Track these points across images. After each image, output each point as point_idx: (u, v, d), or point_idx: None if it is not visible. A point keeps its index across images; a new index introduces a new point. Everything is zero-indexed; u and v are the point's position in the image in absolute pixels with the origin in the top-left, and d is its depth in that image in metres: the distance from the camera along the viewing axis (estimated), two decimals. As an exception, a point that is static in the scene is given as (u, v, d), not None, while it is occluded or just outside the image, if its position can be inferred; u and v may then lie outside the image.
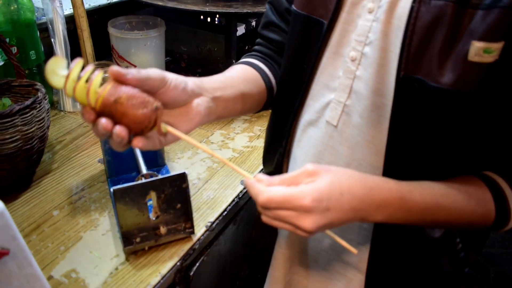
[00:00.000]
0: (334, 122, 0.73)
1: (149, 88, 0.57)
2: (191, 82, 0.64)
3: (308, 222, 0.58)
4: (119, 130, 0.55)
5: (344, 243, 0.64)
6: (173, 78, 0.60)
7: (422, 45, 0.59)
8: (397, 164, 0.67)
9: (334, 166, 0.63)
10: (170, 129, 0.59)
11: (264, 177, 0.61)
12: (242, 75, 0.80)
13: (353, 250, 0.64)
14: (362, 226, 0.75)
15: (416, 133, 0.64)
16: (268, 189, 0.59)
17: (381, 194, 0.62)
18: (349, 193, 0.60)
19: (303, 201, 0.57)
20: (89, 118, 0.55)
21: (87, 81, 0.55)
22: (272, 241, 0.93)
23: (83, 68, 0.56)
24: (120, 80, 0.55)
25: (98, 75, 0.55)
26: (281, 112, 0.84)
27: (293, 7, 0.76)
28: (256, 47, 0.89)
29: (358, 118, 0.69)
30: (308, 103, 0.78)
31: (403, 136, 0.65)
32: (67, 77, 0.54)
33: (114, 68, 0.55)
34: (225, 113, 0.72)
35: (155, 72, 0.58)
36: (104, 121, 0.54)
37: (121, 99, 0.54)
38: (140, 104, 0.55)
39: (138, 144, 0.57)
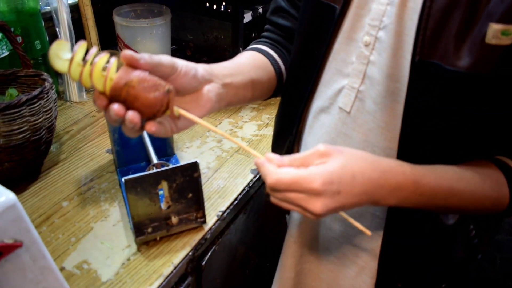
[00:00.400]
0: (347, 108, 0.72)
1: (160, 75, 0.57)
2: (201, 68, 0.63)
3: (317, 205, 0.57)
4: (132, 116, 0.54)
5: (358, 224, 0.63)
6: (184, 64, 0.60)
7: (438, 28, 0.58)
8: (411, 149, 0.66)
9: (347, 148, 0.61)
10: (182, 112, 0.58)
11: (274, 156, 0.60)
12: (252, 62, 0.78)
13: (367, 231, 0.63)
14: (375, 214, 0.75)
15: (431, 118, 0.63)
16: (278, 171, 0.58)
17: (395, 177, 0.61)
18: (361, 176, 0.58)
19: (312, 184, 0.56)
20: (101, 104, 0.55)
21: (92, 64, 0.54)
22: (281, 230, 0.92)
23: (87, 51, 0.55)
24: (132, 65, 0.55)
25: (103, 57, 0.54)
26: (291, 99, 0.83)
27: (304, -9, 0.74)
28: (264, 33, 0.88)
29: (371, 103, 0.68)
30: (320, 89, 0.76)
31: (417, 122, 0.64)
32: (71, 60, 0.53)
33: (127, 52, 0.54)
34: (235, 99, 0.71)
35: (166, 59, 0.57)
36: (116, 107, 0.54)
37: (132, 83, 0.53)
38: (152, 87, 0.54)
39: (151, 128, 0.56)
